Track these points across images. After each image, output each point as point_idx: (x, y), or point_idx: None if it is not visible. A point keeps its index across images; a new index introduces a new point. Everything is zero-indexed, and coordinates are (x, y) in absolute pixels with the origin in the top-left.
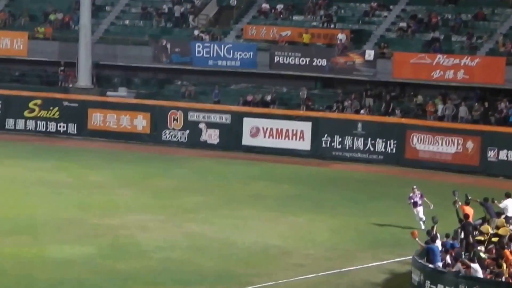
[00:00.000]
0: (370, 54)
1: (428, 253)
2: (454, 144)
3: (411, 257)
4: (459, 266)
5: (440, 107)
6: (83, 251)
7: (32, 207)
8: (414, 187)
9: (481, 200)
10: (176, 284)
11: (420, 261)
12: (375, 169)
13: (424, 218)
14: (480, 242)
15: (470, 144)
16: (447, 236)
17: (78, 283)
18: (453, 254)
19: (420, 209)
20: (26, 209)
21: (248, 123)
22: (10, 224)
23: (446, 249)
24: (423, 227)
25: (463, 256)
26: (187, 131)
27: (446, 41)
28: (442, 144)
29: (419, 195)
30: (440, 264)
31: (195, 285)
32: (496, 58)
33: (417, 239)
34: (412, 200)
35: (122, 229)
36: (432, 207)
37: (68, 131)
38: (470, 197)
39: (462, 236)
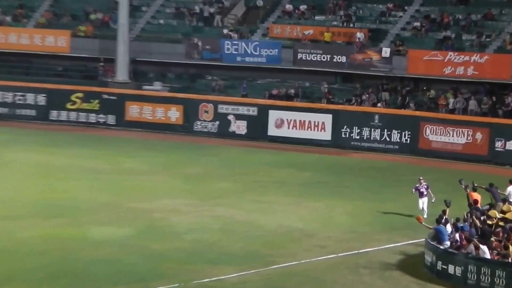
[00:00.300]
0: (386, 51)
1: (436, 233)
2: (464, 135)
3: (423, 239)
4: (471, 248)
5: (451, 100)
6: (120, 232)
7: (73, 191)
8: (421, 178)
9: (486, 186)
10: (206, 263)
11: (432, 243)
12: (390, 158)
13: (426, 209)
14: (489, 226)
15: (479, 135)
16: (457, 220)
17: (116, 262)
18: (463, 236)
19: (425, 199)
20: (68, 193)
21: (273, 115)
22: (53, 207)
23: (456, 228)
24: (425, 216)
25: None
26: (217, 122)
27: (457, 39)
28: (453, 135)
29: (425, 186)
30: (448, 243)
31: (224, 265)
32: (504, 55)
33: (423, 222)
34: (418, 191)
35: (156, 212)
36: (433, 201)
37: (107, 122)
38: (476, 185)
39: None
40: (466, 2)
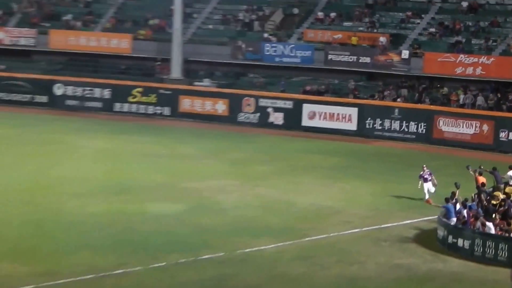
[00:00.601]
0: (405, 54)
1: (445, 211)
2: (472, 127)
3: (436, 216)
4: (479, 224)
5: (461, 96)
6: (174, 208)
7: (134, 172)
8: (424, 166)
9: (490, 170)
10: (248, 236)
11: (444, 219)
12: (408, 146)
13: (431, 191)
14: (493, 206)
15: (485, 127)
16: (465, 200)
17: (170, 233)
18: (470, 213)
19: (428, 184)
20: (129, 174)
21: (307, 108)
22: (117, 186)
23: (465, 206)
24: (426, 197)
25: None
26: (258, 114)
27: (467, 43)
28: (462, 127)
29: (428, 173)
30: (454, 219)
31: (264, 237)
32: (508, 58)
33: (432, 203)
34: (423, 177)
35: (205, 191)
36: (436, 186)
37: (163, 114)
38: (482, 167)
39: (478, 200)
40: (475, 11)
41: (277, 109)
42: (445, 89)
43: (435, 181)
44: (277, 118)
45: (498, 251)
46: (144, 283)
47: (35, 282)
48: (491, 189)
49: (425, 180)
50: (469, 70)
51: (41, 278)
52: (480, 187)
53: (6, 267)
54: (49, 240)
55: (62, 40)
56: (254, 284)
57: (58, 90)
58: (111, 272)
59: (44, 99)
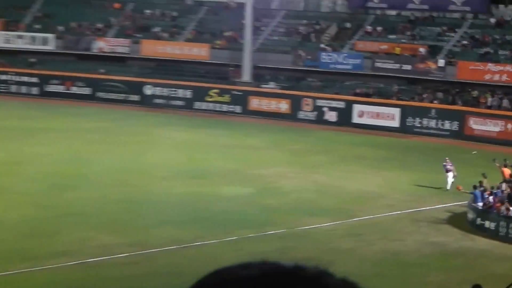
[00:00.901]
0: (441, 62)
1: (472, 196)
2: (498, 125)
3: (466, 202)
4: (503, 208)
5: (489, 99)
6: (243, 191)
7: (210, 160)
8: (447, 158)
9: None
10: (305, 215)
11: (473, 204)
12: (443, 141)
13: (451, 180)
14: None
15: (509, 125)
16: (492, 187)
17: (240, 212)
18: (496, 199)
19: (450, 174)
20: (206, 161)
21: (356, 108)
22: (195, 171)
23: (491, 193)
24: (448, 186)
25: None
26: (315, 113)
27: (494, 54)
28: (490, 125)
29: (450, 164)
30: (480, 204)
31: (319, 216)
32: None
33: (461, 189)
34: (445, 167)
35: (270, 177)
36: (456, 176)
37: (235, 111)
38: (507, 161)
39: (503, 188)
40: (502, 26)
41: (331, 108)
42: (475, 93)
43: (455, 172)
44: (331, 116)
45: None
46: (218, 254)
47: (128, 251)
48: None
49: (447, 170)
50: (496, 77)
51: (133, 247)
52: (507, 178)
53: (104, 237)
54: (140, 215)
55: (151, 48)
56: (311, 256)
57: (148, 90)
58: (191, 244)
59: (136, 98)
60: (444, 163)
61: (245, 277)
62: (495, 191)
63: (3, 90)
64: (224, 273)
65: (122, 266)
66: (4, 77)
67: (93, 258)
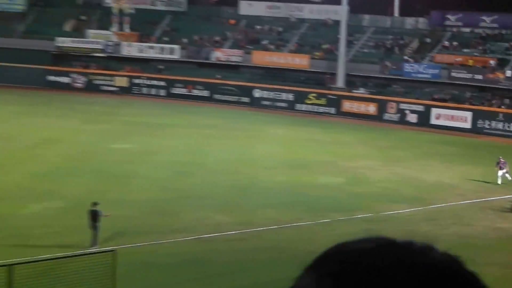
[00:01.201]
0: (509, 73)
1: None
2: None
3: None
4: None
5: None
6: (336, 180)
7: (306, 153)
8: (500, 157)
9: None
10: (389, 202)
11: None
12: (509, 141)
13: (501, 178)
14: None
15: None
16: None
17: (333, 198)
18: None
19: (501, 172)
20: (303, 154)
21: (434, 111)
22: (293, 163)
23: None
24: (499, 182)
25: None
26: (398, 115)
27: None
28: None
29: (504, 163)
30: None
31: (400, 203)
32: None
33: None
34: (499, 165)
35: (358, 168)
36: (508, 173)
37: (330, 112)
38: None
39: None
40: None
41: (412, 111)
42: None
43: (507, 168)
44: (412, 117)
45: None
46: (312, 234)
47: (237, 229)
48: None
49: (500, 168)
50: None
51: (241, 226)
52: None
53: (217, 217)
54: (247, 199)
55: (260, 58)
56: (393, 237)
57: (257, 93)
58: (290, 224)
59: (246, 99)
60: (497, 161)
61: (363, 248)
62: None
63: (137, 92)
64: (345, 246)
65: (231, 242)
66: (137, 81)
67: (208, 234)
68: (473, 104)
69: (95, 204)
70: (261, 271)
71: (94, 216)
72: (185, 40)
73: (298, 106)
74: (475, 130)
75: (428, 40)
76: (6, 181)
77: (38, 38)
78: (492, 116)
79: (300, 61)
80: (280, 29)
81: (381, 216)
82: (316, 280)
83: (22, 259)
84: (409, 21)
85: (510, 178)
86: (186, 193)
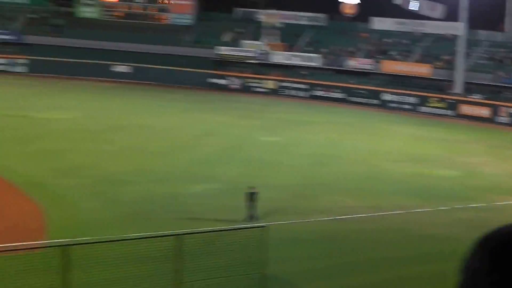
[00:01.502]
0: None
1: None
2: None
3: None
4: None
5: None
6: (452, 173)
7: (426, 149)
8: None
9: None
10: (499, 194)
11: None
12: None
13: None
14: None
15: None
16: None
17: (450, 188)
18: None
19: None
20: (423, 150)
21: None
22: (415, 157)
23: None
24: None
25: None
26: (509, 118)
27: None
28: None
29: None
30: None
31: (509, 195)
32: None
33: None
34: None
35: (472, 164)
36: None
37: (449, 115)
38: None
39: None
40: None
41: None
42: None
43: None
44: None
45: None
46: (433, 219)
47: (366, 212)
48: None
49: None
50: None
51: (370, 209)
52: None
53: (349, 201)
54: (375, 186)
55: (388, 66)
56: (497, 225)
57: (385, 97)
58: (412, 210)
59: (376, 102)
60: None
61: None
62: None
63: (283, 94)
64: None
65: (362, 223)
66: (284, 84)
67: (341, 216)
68: None
69: (252, 188)
70: (389, 249)
71: (251, 196)
72: (324, 50)
73: (421, 109)
74: None
75: None
76: (174, 165)
77: (202, 47)
78: None
79: (423, 70)
80: (406, 41)
81: (492, 206)
82: (488, 258)
83: (189, 230)
84: None
85: None
86: (323, 180)
